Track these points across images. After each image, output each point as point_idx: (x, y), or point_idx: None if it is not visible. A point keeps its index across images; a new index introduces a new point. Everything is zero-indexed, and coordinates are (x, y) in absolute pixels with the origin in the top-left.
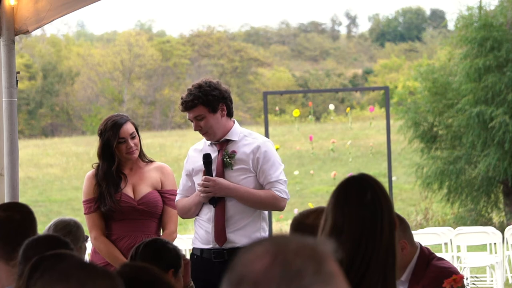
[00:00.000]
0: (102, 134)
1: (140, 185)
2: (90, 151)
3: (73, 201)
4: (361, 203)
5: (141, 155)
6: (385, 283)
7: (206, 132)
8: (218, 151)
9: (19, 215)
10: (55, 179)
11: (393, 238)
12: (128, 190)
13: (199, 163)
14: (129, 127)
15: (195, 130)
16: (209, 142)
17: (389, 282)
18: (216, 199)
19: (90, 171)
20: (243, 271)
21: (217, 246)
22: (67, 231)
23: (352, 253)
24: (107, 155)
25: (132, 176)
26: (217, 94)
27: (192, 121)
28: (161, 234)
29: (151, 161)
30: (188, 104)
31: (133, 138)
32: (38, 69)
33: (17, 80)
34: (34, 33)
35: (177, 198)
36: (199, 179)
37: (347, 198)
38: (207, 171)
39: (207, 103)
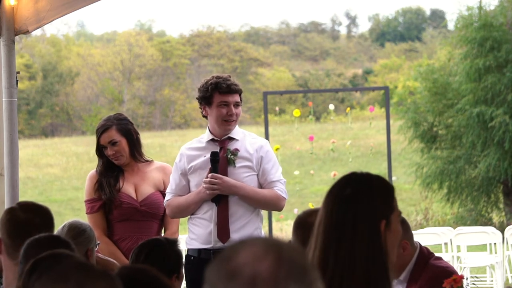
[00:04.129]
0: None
1: (143, 186)
2: (90, 151)
3: (73, 201)
4: (339, 198)
5: (136, 156)
6: (375, 280)
7: (234, 120)
8: (220, 149)
9: (38, 219)
10: (55, 179)
11: (376, 239)
12: (130, 191)
13: (199, 160)
14: (109, 135)
15: (229, 114)
16: (207, 139)
17: (379, 280)
18: (219, 197)
19: (92, 171)
20: (250, 271)
21: (217, 245)
22: (82, 230)
23: (326, 249)
24: (100, 154)
25: (133, 176)
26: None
27: (226, 105)
28: (163, 235)
29: (148, 161)
30: (237, 88)
31: (113, 145)
32: (38, 69)
33: (17, 80)
34: (34, 33)
35: (168, 197)
36: (197, 176)
37: (329, 192)
38: (214, 168)
39: (241, 95)
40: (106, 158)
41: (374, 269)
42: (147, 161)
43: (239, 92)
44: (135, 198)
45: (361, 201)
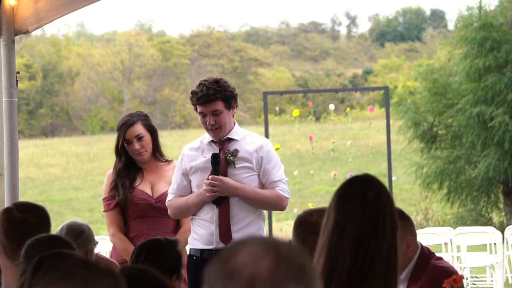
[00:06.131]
0: (117, 131)
1: (158, 183)
2: (90, 151)
3: (73, 201)
4: (364, 200)
5: (157, 155)
6: (387, 282)
7: (218, 127)
8: (220, 150)
9: (35, 219)
10: (55, 179)
11: (395, 239)
12: (146, 188)
13: (199, 161)
14: (136, 129)
15: (208, 124)
16: (208, 140)
17: (391, 281)
18: (220, 199)
19: (110, 170)
20: (249, 271)
21: (220, 246)
22: (80, 231)
23: (355, 250)
24: (120, 152)
25: (150, 174)
26: (232, 91)
27: (204, 115)
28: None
29: (167, 160)
30: (210, 98)
31: (139, 139)
32: (38, 69)
33: (17, 80)
34: (34, 33)
35: (170, 197)
36: (198, 177)
37: (350, 195)
38: (215, 170)
39: (226, 99)
40: (126, 156)
41: (391, 268)
42: (167, 160)
43: (218, 99)
44: (150, 195)
45: (387, 203)
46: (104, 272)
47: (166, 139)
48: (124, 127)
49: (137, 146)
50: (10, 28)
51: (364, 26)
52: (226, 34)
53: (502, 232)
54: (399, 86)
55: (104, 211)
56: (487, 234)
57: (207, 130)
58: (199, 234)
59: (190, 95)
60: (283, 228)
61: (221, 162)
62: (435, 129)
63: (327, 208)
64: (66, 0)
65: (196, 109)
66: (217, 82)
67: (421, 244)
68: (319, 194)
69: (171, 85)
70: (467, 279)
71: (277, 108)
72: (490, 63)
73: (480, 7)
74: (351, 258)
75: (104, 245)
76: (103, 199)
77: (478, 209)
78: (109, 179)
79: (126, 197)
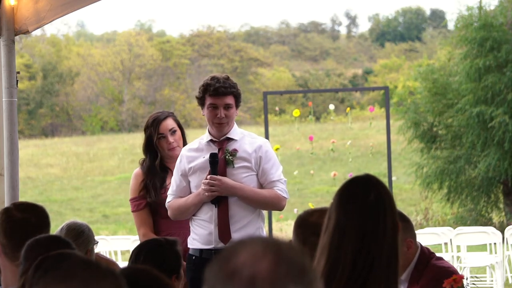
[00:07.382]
0: (145, 130)
1: None
2: (90, 151)
3: (73, 201)
4: (365, 201)
5: None
6: (388, 283)
7: (226, 122)
8: (219, 149)
9: (35, 219)
10: (55, 179)
11: (396, 240)
12: None
13: (198, 161)
14: (169, 123)
15: (218, 117)
16: (206, 140)
17: (392, 282)
18: (219, 199)
19: (137, 169)
20: (249, 271)
21: (219, 246)
22: (80, 231)
23: (356, 251)
24: (151, 150)
25: None
26: (239, 90)
27: (215, 107)
28: None
29: None
30: (226, 90)
31: (173, 133)
32: (38, 69)
33: (17, 80)
34: (34, 33)
35: (169, 199)
36: (197, 177)
37: (351, 197)
38: (213, 170)
39: (236, 96)
40: (151, 157)
41: (392, 269)
42: None
43: (231, 94)
44: None
45: (388, 204)
46: (105, 272)
47: None
48: (157, 122)
49: (171, 139)
50: (10, 28)
51: (364, 26)
52: (226, 34)
53: (502, 232)
54: (399, 86)
55: (132, 211)
56: (487, 234)
57: (213, 124)
58: (198, 234)
59: (202, 87)
60: (283, 228)
61: (220, 162)
62: (435, 129)
63: (328, 208)
64: (66, 0)
65: (203, 103)
66: (229, 79)
67: (421, 245)
68: (319, 194)
69: (171, 85)
70: (467, 279)
71: (277, 108)
72: (490, 63)
73: (480, 7)
74: (352, 259)
75: (104, 245)
76: (131, 199)
77: (478, 209)
78: (137, 178)
79: (158, 199)
